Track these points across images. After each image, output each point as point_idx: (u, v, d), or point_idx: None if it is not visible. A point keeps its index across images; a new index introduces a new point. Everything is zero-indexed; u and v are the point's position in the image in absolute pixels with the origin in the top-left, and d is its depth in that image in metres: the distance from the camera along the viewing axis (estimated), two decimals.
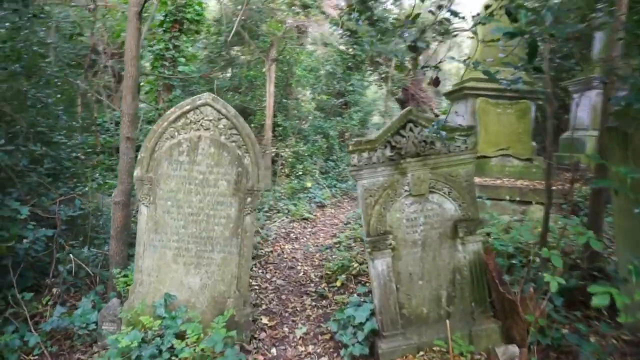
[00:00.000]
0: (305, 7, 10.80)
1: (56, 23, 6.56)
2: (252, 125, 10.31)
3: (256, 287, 4.45)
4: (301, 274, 4.90)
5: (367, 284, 4.06)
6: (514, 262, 3.82)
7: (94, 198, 4.96)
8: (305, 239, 6.43)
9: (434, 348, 2.95)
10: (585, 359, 2.53)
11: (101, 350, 3.11)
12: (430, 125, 2.93)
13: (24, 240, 3.59)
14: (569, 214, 3.61)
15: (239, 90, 10.74)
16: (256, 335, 3.42)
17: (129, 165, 3.65)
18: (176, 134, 3.22)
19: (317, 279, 4.70)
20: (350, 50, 12.89)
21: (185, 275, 3.20)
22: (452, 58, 2.60)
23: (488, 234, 4.05)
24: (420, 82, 15.62)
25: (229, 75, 11.32)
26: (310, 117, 11.92)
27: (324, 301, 4.13)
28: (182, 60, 8.35)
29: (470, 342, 2.98)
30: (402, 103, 15.60)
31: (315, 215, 7.82)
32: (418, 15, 2.98)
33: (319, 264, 5.19)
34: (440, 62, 2.58)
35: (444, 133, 2.51)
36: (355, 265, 4.60)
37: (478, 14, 2.08)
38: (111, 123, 8.23)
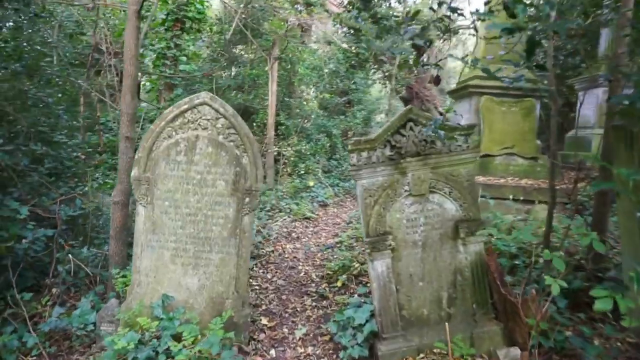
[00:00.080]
0: (308, 5, 10.74)
1: (59, 22, 6.56)
2: (255, 124, 10.29)
3: (256, 287, 4.42)
4: (302, 274, 4.87)
5: (368, 285, 4.01)
6: (517, 262, 3.77)
7: (95, 198, 4.96)
8: (306, 238, 6.40)
9: (435, 350, 2.91)
10: None
11: (99, 351, 3.09)
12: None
13: (23, 240, 3.59)
14: (573, 214, 3.54)
15: (242, 89, 10.71)
16: (255, 337, 3.39)
17: (128, 165, 3.63)
18: (174, 133, 3.19)
19: (318, 279, 4.67)
20: (354, 48, 12.82)
21: (183, 276, 3.18)
22: (451, 55, 2.55)
23: (490, 235, 4.00)
24: (424, 80, 15.52)
25: (232, 74, 11.28)
26: (313, 116, 11.88)
27: (325, 302, 4.09)
28: (184, 59, 8.32)
29: (472, 344, 2.93)
30: (406, 101, 15.49)
31: (317, 215, 7.78)
32: (418, 12, 2.93)
33: (320, 264, 5.15)
34: (440, 60, 2.52)
35: (442, 133, 2.46)
36: (357, 265, 4.57)
37: (477, 10, 2.04)
38: (114, 122, 8.23)
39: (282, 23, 9.71)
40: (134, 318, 2.95)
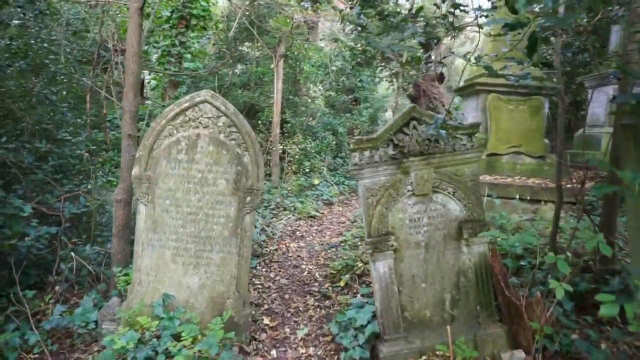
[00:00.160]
0: (314, 1, 10.66)
1: (65, 20, 6.58)
2: (260, 121, 10.27)
3: (259, 286, 4.41)
4: (305, 273, 4.85)
5: (371, 285, 3.98)
6: (522, 263, 3.70)
7: (99, 195, 4.97)
8: (311, 237, 6.37)
9: (437, 353, 2.86)
10: None
11: (101, 349, 3.10)
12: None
13: (27, 238, 3.60)
14: (580, 214, 3.46)
15: (247, 87, 10.69)
16: (256, 336, 3.37)
17: (130, 163, 3.62)
18: (175, 131, 3.17)
19: (322, 279, 4.64)
20: (360, 45, 12.73)
21: (184, 275, 3.17)
22: (453, 53, 2.49)
23: (492, 236, 3.94)
24: (432, 78, 15.39)
25: (237, 71, 11.27)
26: (318, 114, 11.83)
27: (327, 301, 4.06)
28: (188, 56, 8.31)
29: (475, 347, 2.89)
30: (414, 99, 15.38)
31: (322, 213, 7.75)
32: (422, 8, 2.87)
33: (324, 263, 5.12)
34: (444, 57, 2.47)
35: (443, 132, 2.41)
36: (360, 264, 4.52)
37: (480, 7, 1.98)
38: (121, 120, 8.25)
39: (288, 20, 9.65)
40: (134, 317, 2.95)
